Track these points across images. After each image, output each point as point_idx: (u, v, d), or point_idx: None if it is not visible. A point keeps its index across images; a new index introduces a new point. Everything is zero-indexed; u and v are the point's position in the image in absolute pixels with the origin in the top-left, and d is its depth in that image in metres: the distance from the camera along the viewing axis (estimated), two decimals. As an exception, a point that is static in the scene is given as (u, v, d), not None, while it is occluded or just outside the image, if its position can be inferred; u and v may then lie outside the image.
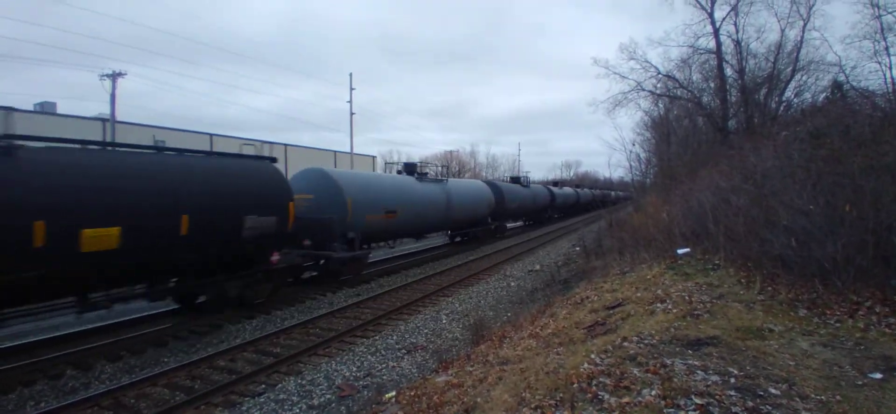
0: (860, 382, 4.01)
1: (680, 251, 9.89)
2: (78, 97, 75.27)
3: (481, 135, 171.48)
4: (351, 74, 54.08)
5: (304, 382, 7.13)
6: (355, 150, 44.26)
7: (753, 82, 21.39)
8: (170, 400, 6.51)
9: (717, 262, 8.64)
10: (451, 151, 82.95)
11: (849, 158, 7.69)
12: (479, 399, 4.51)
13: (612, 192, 61.65)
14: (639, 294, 7.37)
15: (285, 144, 47.04)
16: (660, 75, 23.57)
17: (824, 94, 17.85)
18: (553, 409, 3.71)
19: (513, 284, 14.55)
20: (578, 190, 55.12)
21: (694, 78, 24.56)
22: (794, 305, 6.30)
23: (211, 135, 40.56)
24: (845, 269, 6.44)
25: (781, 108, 20.58)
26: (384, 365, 7.84)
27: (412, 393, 5.66)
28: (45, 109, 32.63)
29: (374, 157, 62.44)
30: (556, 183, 52.76)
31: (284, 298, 12.03)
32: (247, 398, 6.61)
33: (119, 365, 7.76)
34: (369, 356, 8.23)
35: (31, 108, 31.99)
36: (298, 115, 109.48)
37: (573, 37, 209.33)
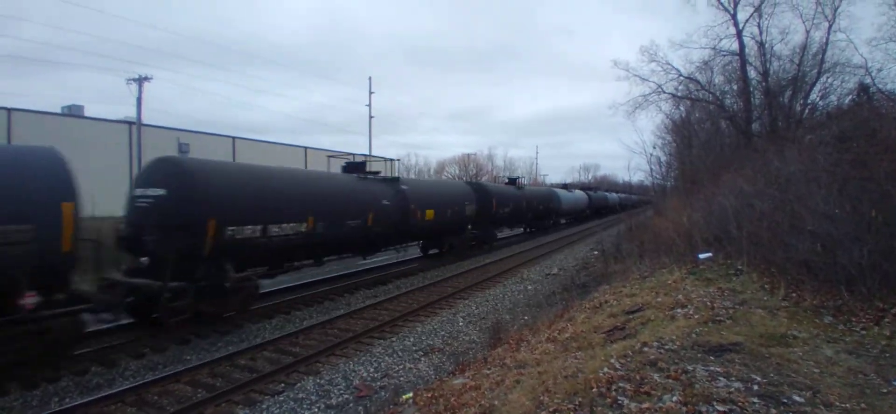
0: (885, 390, 3.92)
1: (701, 256, 9.75)
2: (105, 101, 77.35)
3: (501, 138, 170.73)
4: (370, 78, 54.21)
5: (322, 381, 7.21)
6: (375, 153, 44.58)
7: (777, 85, 21.00)
8: (192, 397, 6.64)
9: (740, 267, 8.49)
10: (469, 154, 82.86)
11: (875, 163, 7.50)
12: (496, 402, 4.52)
13: (631, 196, 59.96)
14: (659, 299, 7.29)
15: (305, 147, 47.63)
16: (681, 77, 23.35)
17: (850, 97, 17.47)
18: (572, 413, 3.70)
19: (530, 287, 14.49)
20: (591, 193, 50.74)
21: (716, 80, 24.25)
22: (819, 311, 6.17)
23: (234, 138, 41.26)
24: (871, 275, 6.28)
25: (806, 111, 20.19)
26: (401, 366, 7.88)
27: (429, 394, 5.69)
28: (73, 112, 33.58)
29: (392, 160, 62.76)
30: (564, 186, 47.69)
31: (304, 300, 12.18)
32: (267, 397, 6.71)
33: (143, 362, 7.94)
34: (386, 357, 8.28)
35: (59, 110, 32.97)
36: (320, 119, 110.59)
37: (599, 40, 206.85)
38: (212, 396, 6.53)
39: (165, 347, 8.57)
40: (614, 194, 62.57)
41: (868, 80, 16.91)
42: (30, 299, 6.90)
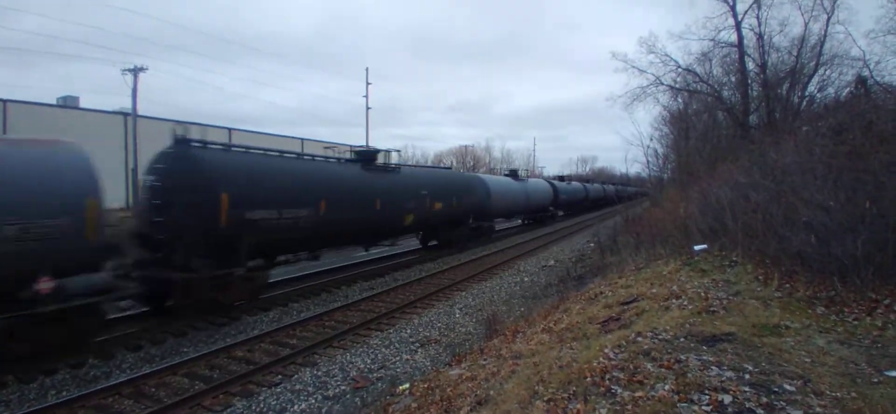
0: (876, 380, 3.96)
1: (697, 248, 9.78)
2: (103, 92, 76.99)
3: (500, 130, 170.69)
4: (367, 69, 54.30)
5: (319, 373, 7.25)
6: (372, 145, 44.49)
7: (775, 76, 21.01)
8: (189, 389, 6.67)
9: (734, 258, 8.53)
10: (466, 146, 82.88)
11: (871, 154, 7.53)
12: (492, 392, 4.56)
13: (628, 188, 60.36)
14: (654, 290, 7.33)
15: (302, 139, 47.50)
16: (679, 69, 23.32)
17: (848, 90, 17.50)
18: (566, 402, 3.74)
19: (526, 279, 14.55)
20: (588, 185, 51.84)
21: (714, 72, 24.22)
22: (811, 302, 6.21)
23: (230, 129, 41.12)
24: (865, 266, 6.32)
25: (804, 103, 20.20)
26: (398, 358, 7.92)
27: (426, 385, 5.74)
28: (68, 103, 33.35)
29: (391, 151, 62.61)
30: (561, 178, 47.77)
31: (301, 292, 12.21)
32: (264, 388, 6.74)
33: (140, 354, 7.96)
34: (383, 349, 8.32)
35: (54, 102, 32.77)
36: (320, 112, 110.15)
37: (604, 33, 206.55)
38: (209, 387, 6.56)
39: (162, 339, 8.59)
40: (611, 186, 62.86)
41: (866, 73, 16.96)
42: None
